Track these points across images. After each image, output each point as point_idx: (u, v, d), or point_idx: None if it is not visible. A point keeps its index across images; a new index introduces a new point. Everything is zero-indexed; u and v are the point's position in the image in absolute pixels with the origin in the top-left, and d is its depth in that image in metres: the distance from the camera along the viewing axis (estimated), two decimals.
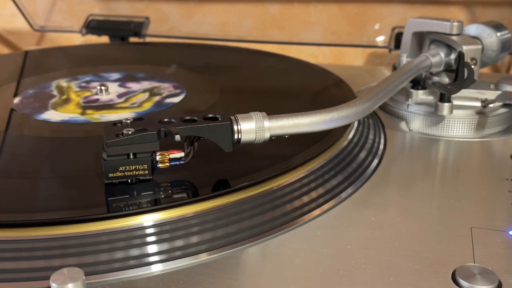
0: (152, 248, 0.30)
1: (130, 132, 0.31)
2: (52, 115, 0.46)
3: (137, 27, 0.80)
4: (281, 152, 0.38)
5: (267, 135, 0.34)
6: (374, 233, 0.32)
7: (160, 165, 0.32)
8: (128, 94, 0.52)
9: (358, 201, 0.36)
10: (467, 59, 0.46)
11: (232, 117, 0.33)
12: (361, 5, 0.75)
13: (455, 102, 0.46)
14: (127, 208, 0.30)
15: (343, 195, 0.36)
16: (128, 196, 0.32)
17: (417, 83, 0.50)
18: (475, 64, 0.47)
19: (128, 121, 0.33)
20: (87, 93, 0.52)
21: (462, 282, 0.27)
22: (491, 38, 0.49)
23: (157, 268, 0.29)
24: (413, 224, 0.33)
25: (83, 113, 0.47)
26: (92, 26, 0.82)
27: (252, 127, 0.33)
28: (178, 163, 0.33)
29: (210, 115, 0.33)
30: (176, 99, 0.49)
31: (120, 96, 0.51)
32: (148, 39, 0.81)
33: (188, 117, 0.33)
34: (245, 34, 0.80)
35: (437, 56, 0.47)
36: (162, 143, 0.32)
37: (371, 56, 0.79)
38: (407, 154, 0.43)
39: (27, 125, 0.45)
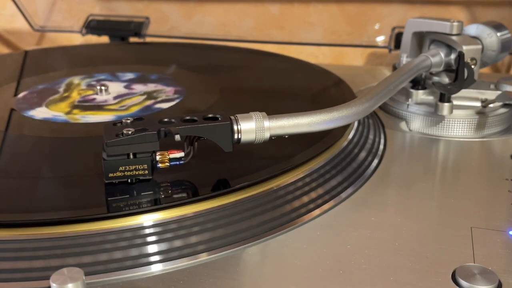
0: (152, 248, 0.30)
1: (130, 132, 0.31)
2: (38, 112, 0.47)
3: (137, 27, 0.80)
4: (281, 152, 0.38)
5: (267, 135, 0.34)
6: (374, 233, 0.32)
7: (160, 165, 0.32)
8: (125, 96, 0.51)
9: (358, 201, 0.36)
10: (467, 59, 0.46)
11: (232, 117, 0.33)
12: (361, 5, 0.75)
13: (455, 102, 0.46)
14: (127, 208, 0.30)
15: (343, 195, 0.36)
16: (128, 196, 0.32)
17: (417, 83, 0.50)
18: (475, 64, 0.47)
19: (128, 121, 0.33)
20: (89, 92, 0.52)
21: (462, 282, 0.27)
22: (491, 38, 0.49)
23: (157, 268, 0.29)
24: (413, 224, 0.33)
25: (68, 113, 0.47)
26: (92, 26, 0.82)
27: (252, 127, 0.33)
28: (178, 163, 0.33)
29: (210, 115, 0.33)
30: (166, 105, 0.48)
31: (116, 97, 0.51)
32: (148, 39, 0.81)
33: (188, 117, 0.33)
34: (245, 34, 0.80)
35: (437, 56, 0.47)
36: (162, 143, 0.32)
37: (371, 56, 0.79)
38: (407, 154, 0.43)
39: (13, 122, 0.45)
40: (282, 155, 0.37)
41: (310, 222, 0.33)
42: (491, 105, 0.48)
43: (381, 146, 0.44)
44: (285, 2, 0.78)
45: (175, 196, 0.32)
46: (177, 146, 0.33)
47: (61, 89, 0.53)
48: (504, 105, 0.48)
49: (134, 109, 0.48)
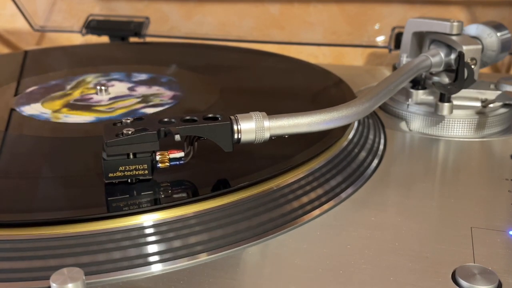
0: (152, 248, 0.30)
1: (130, 132, 0.31)
2: (29, 109, 0.47)
3: (137, 27, 0.80)
4: (281, 152, 0.38)
5: (267, 135, 0.34)
6: (374, 233, 0.32)
7: (160, 165, 0.32)
8: (121, 97, 0.51)
9: (358, 201, 0.36)
10: (467, 59, 0.46)
11: (232, 117, 0.33)
12: (361, 5, 0.75)
13: (455, 102, 0.46)
14: (127, 208, 0.30)
15: (343, 195, 0.36)
16: (128, 196, 0.32)
17: (417, 83, 0.50)
18: (475, 64, 0.47)
19: (128, 121, 0.33)
20: (91, 91, 0.52)
21: (462, 282, 0.27)
22: (491, 38, 0.49)
23: (157, 268, 0.29)
24: (413, 224, 0.33)
25: (56, 111, 0.47)
26: (92, 26, 0.82)
27: (252, 127, 0.33)
28: (178, 163, 0.33)
29: (210, 115, 0.33)
30: (152, 110, 0.47)
31: (112, 98, 0.51)
32: (148, 39, 0.81)
33: (188, 117, 0.33)
34: (245, 34, 0.80)
35: (437, 56, 0.47)
36: (162, 143, 0.32)
37: (371, 56, 0.79)
38: (407, 154, 0.43)
39: (1, 117, 0.46)
40: (282, 155, 0.37)
41: (310, 222, 0.33)
42: (491, 105, 0.48)
43: (381, 146, 0.44)
44: (285, 2, 0.78)
45: (175, 196, 0.32)
46: (177, 146, 0.33)
47: (69, 86, 0.53)
48: (504, 105, 0.48)
49: (119, 112, 0.47)
